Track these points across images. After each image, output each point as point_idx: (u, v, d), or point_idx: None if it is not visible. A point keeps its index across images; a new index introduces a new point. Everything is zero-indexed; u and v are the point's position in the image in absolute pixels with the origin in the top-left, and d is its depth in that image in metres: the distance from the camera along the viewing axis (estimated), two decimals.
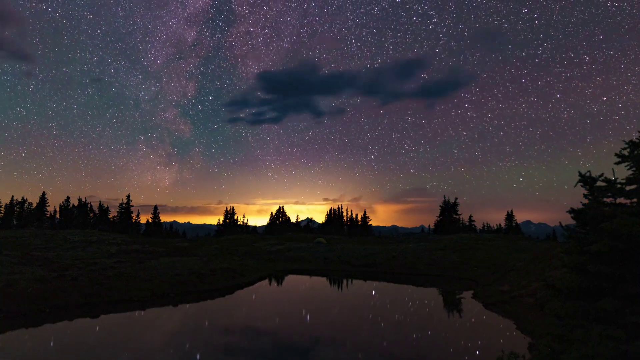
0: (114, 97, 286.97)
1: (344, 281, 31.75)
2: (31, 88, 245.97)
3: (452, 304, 23.39)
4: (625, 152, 6.95)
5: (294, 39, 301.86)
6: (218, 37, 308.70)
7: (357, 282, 31.28)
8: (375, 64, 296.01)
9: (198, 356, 12.47)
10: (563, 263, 7.34)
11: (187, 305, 20.81)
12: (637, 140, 6.88)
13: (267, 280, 30.27)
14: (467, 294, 25.10)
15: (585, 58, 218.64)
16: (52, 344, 13.69)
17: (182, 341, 14.00)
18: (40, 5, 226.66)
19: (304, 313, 19.80)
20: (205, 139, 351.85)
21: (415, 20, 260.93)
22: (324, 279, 32.93)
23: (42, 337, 14.41)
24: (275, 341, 14.62)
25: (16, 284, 18.83)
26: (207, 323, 17.23)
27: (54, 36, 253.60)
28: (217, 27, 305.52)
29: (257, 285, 27.92)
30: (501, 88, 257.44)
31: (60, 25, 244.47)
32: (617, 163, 7.03)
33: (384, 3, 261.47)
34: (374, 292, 27.36)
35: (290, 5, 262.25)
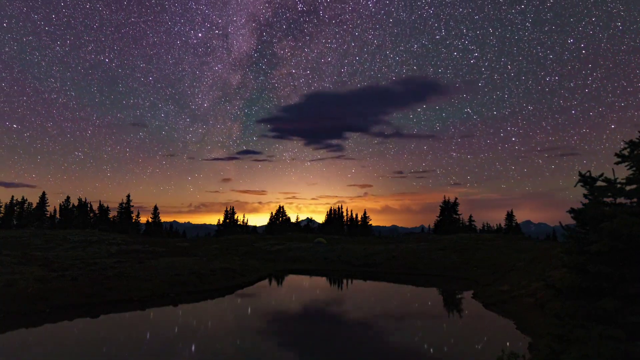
0: (163, 140, 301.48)
1: (344, 281, 31.75)
2: (89, 133, 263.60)
3: (452, 304, 23.39)
4: (625, 152, 6.95)
5: (335, 78, 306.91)
6: (261, 79, 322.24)
7: (357, 282, 31.28)
8: (417, 99, 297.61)
9: (198, 356, 12.47)
10: (563, 263, 7.34)
11: (187, 305, 20.81)
12: (637, 140, 6.88)
13: (267, 280, 30.27)
14: (467, 294, 25.11)
15: None
16: (52, 344, 13.69)
17: (182, 341, 13.99)
18: (99, 57, 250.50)
19: (304, 313, 19.80)
20: None
21: (456, 55, 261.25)
22: (324, 279, 32.93)
23: (42, 337, 14.41)
24: (275, 341, 14.62)
25: (16, 284, 18.84)
26: (206, 323, 17.23)
27: (110, 84, 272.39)
28: (261, 70, 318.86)
29: (257, 285, 27.91)
30: (550, 120, 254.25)
31: (116, 74, 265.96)
32: (617, 163, 7.03)
33: (423, 40, 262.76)
34: (373, 292, 27.36)
35: (331, 46, 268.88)
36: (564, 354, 6.07)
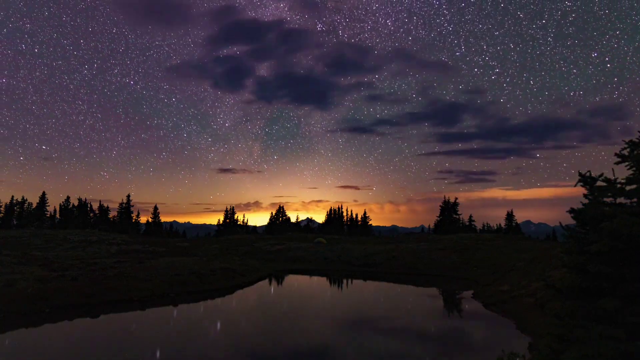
0: (186, 159, 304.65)
1: (344, 281, 31.75)
2: (114, 154, 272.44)
3: (452, 304, 23.39)
4: (625, 152, 6.95)
5: (355, 96, 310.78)
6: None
7: (357, 282, 31.27)
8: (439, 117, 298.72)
9: (198, 356, 12.47)
10: (563, 263, 7.33)
11: (187, 305, 20.81)
12: (637, 140, 6.87)
13: (267, 280, 30.26)
14: (467, 294, 25.11)
15: None
16: (52, 344, 13.68)
17: (182, 342, 13.99)
18: (124, 79, 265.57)
19: (304, 313, 19.79)
20: None
21: (477, 72, 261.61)
22: (324, 279, 32.92)
23: (42, 337, 14.41)
24: (276, 342, 14.61)
25: (16, 284, 18.84)
26: (207, 323, 17.23)
27: (135, 105, 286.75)
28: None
29: (257, 285, 27.91)
30: (578, 132, 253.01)
31: (140, 96, 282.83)
32: (617, 163, 7.02)
33: (443, 57, 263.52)
34: (373, 293, 27.36)
35: None
36: (564, 354, 6.07)
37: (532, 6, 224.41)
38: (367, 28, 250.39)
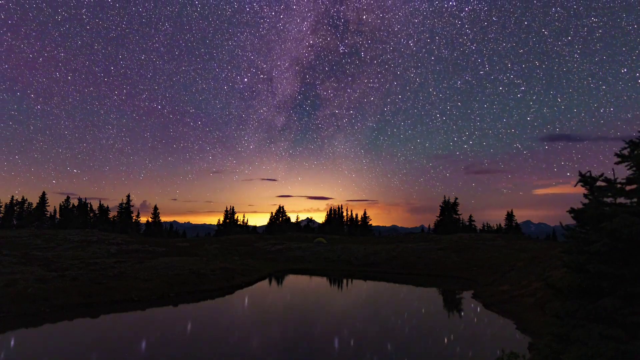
0: (211, 181, 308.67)
1: (344, 281, 31.75)
2: (141, 177, 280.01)
3: (452, 304, 23.38)
4: (625, 152, 6.95)
5: (378, 117, 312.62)
6: (305, 120, 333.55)
7: (357, 282, 31.27)
8: (463, 136, 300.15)
9: (198, 356, 12.46)
10: (563, 263, 7.33)
11: (187, 305, 20.80)
12: (637, 140, 6.87)
13: (267, 280, 30.26)
14: (467, 294, 25.11)
15: None
16: (52, 344, 13.68)
17: (182, 342, 13.99)
18: (152, 104, 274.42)
19: (304, 313, 19.79)
20: None
21: (501, 90, 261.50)
22: (324, 279, 32.92)
23: (42, 337, 14.41)
24: (276, 342, 14.61)
25: (16, 284, 18.84)
26: (206, 323, 17.22)
27: (162, 129, 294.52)
28: (304, 111, 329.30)
29: (257, 285, 27.91)
30: (607, 153, 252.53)
31: (167, 120, 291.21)
32: (617, 163, 7.02)
33: (467, 76, 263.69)
34: (373, 292, 27.35)
35: (373, 86, 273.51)
36: (564, 353, 6.07)
37: (556, 23, 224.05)
38: (389, 49, 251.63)
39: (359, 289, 29.01)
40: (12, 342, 13.68)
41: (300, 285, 30.59)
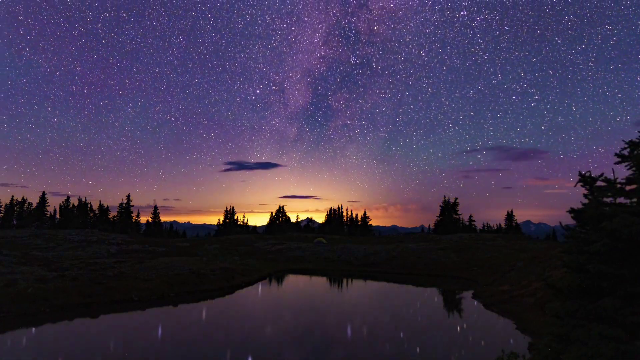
0: (225, 190, 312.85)
1: (344, 281, 31.75)
2: (155, 187, 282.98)
3: (452, 304, 23.38)
4: (625, 152, 6.95)
5: (390, 127, 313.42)
6: (317, 131, 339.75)
7: (357, 282, 31.28)
8: (477, 145, 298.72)
9: (198, 356, 12.46)
10: (563, 263, 7.33)
11: (187, 305, 20.80)
12: (636, 141, 6.87)
13: (267, 280, 30.26)
14: (467, 294, 25.11)
15: None
16: (52, 344, 13.68)
17: (182, 342, 13.99)
18: (166, 116, 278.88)
19: (304, 314, 19.79)
20: None
21: (515, 99, 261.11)
22: (324, 279, 32.92)
23: (42, 337, 14.41)
24: (276, 342, 14.62)
25: (16, 284, 18.84)
26: (206, 324, 17.23)
27: (176, 141, 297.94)
28: (316, 122, 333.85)
29: (257, 285, 27.90)
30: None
31: (180, 132, 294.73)
32: (617, 163, 7.02)
33: (479, 85, 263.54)
34: (373, 292, 27.35)
35: (385, 96, 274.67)
36: (564, 353, 6.07)
37: (570, 31, 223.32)
38: (401, 60, 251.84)
39: (358, 289, 29.02)
40: (12, 342, 13.68)
41: (301, 285, 30.59)
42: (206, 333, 15.42)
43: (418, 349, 13.75)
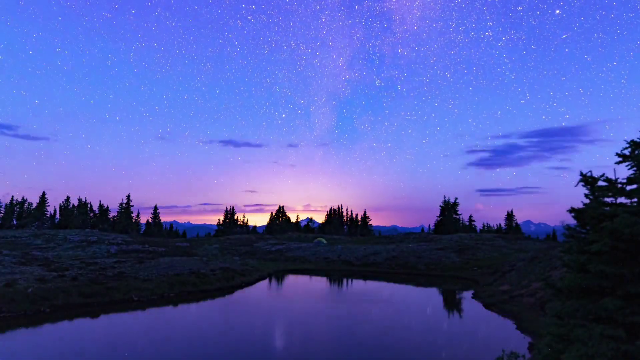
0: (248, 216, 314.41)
1: (344, 281, 31.74)
2: (182, 208, 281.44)
3: (452, 304, 23.38)
4: (626, 152, 6.94)
5: (417, 149, 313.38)
6: (343, 154, 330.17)
7: (357, 282, 31.27)
8: (505, 165, 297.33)
9: (197, 356, 12.46)
10: (563, 263, 7.32)
11: (187, 305, 20.80)
12: (638, 141, 6.86)
13: (267, 280, 30.25)
14: (467, 294, 25.10)
15: None
16: (52, 344, 13.67)
17: (182, 342, 13.98)
18: (194, 141, 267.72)
19: (304, 314, 19.78)
20: None
21: (544, 118, 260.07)
22: (324, 279, 32.91)
23: (42, 337, 14.40)
24: (276, 342, 14.61)
25: (16, 284, 18.82)
26: (206, 324, 17.21)
27: (204, 166, 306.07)
28: (342, 145, 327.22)
29: (257, 285, 27.90)
30: None
31: (208, 157, 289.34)
32: (618, 163, 7.01)
33: (507, 105, 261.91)
34: (374, 293, 27.34)
35: (411, 118, 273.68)
36: (564, 353, 6.06)
37: (600, 49, 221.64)
38: (426, 81, 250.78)
39: (358, 288, 29.00)
40: (12, 342, 13.67)
41: (300, 285, 30.58)
42: (206, 333, 15.41)
43: (418, 349, 13.74)
